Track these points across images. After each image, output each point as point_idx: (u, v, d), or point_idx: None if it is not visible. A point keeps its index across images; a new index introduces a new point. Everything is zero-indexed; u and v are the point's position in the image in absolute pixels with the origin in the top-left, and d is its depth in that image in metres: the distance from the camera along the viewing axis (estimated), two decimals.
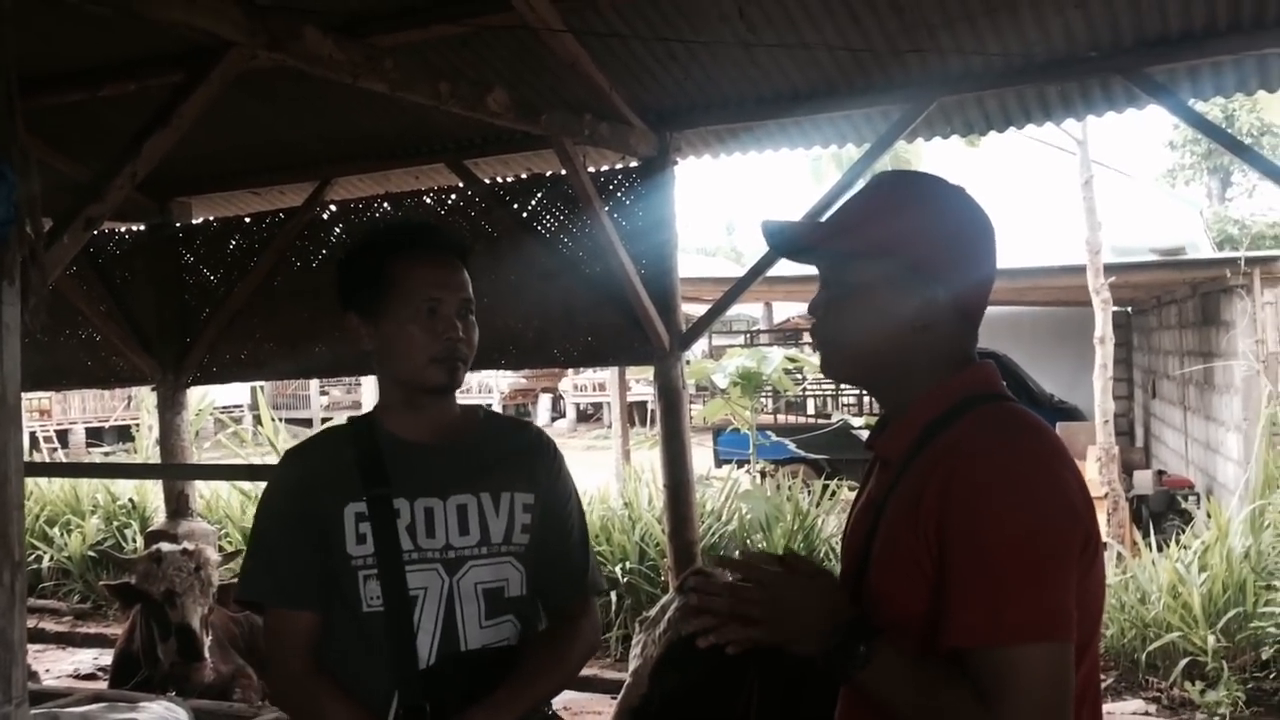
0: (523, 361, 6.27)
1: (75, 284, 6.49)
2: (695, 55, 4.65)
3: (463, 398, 2.87)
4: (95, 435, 24.19)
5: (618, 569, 7.53)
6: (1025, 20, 4.24)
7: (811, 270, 1.61)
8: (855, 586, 1.55)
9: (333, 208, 6.41)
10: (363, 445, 1.97)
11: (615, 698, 3.90)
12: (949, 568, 1.39)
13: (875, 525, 1.53)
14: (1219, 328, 10.07)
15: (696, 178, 55.39)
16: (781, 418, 14.96)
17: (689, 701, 3.06)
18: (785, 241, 1.62)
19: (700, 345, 15.51)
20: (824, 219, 1.61)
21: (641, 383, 21.20)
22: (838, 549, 7.38)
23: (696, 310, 7.19)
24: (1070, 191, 10.32)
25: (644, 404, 23.06)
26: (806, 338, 15.79)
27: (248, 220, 6.66)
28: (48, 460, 16.49)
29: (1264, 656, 6.09)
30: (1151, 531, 7.63)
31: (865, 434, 1.69)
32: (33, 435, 19.73)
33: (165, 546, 4.38)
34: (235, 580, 4.79)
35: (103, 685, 5.10)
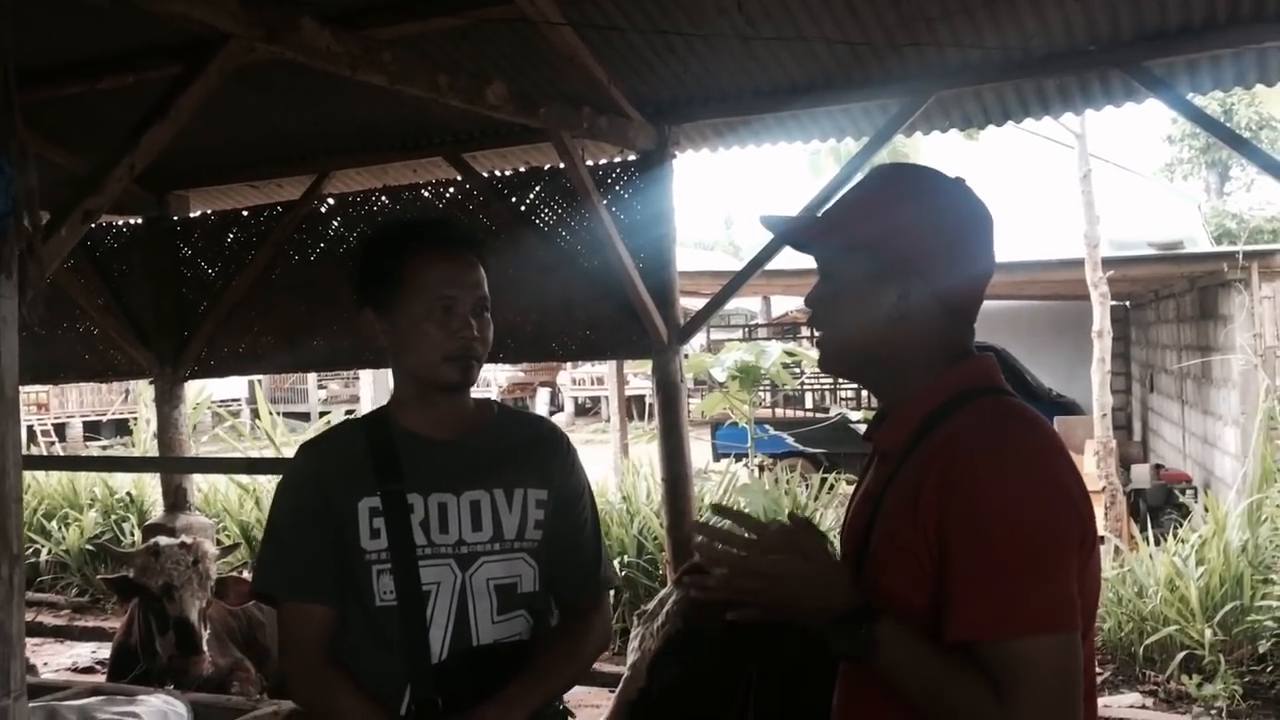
0: (521, 355, 6.28)
1: (73, 277, 6.48)
2: (694, 48, 4.64)
3: None
4: (93, 429, 24.17)
5: (616, 563, 7.53)
6: (1024, 13, 4.24)
7: (809, 265, 1.62)
8: (853, 579, 1.55)
9: (331, 201, 6.41)
10: (377, 440, 1.97)
11: (613, 691, 3.90)
12: (950, 563, 1.39)
13: (873, 518, 1.53)
14: (1217, 322, 10.08)
15: (694, 171, 55.35)
16: (780, 412, 14.97)
17: (687, 694, 3.06)
18: (781, 235, 1.67)
19: (698, 339, 15.53)
20: (820, 213, 1.62)
21: (639, 376, 21.19)
22: (836, 542, 7.38)
23: (694, 304, 7.18)
24: (1068, 185, 10.33)
25: (642, 398, 23.08)
26: (805, 332, 15.81)
27: (245, 213, 6.65)
28: (45, 454, 16.48)
29: (1261, 650, 6.10)
30: (1149, 525, 7.64)
31: (863, 428, 1.70)
32: (30, 429, 19.72)
33: (163, 540, 4.38)
34: (233, 574, 4.82)
35: (101, 679, 5.10)
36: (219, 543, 5.23)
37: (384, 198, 6.21)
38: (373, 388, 23.05)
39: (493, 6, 4.15)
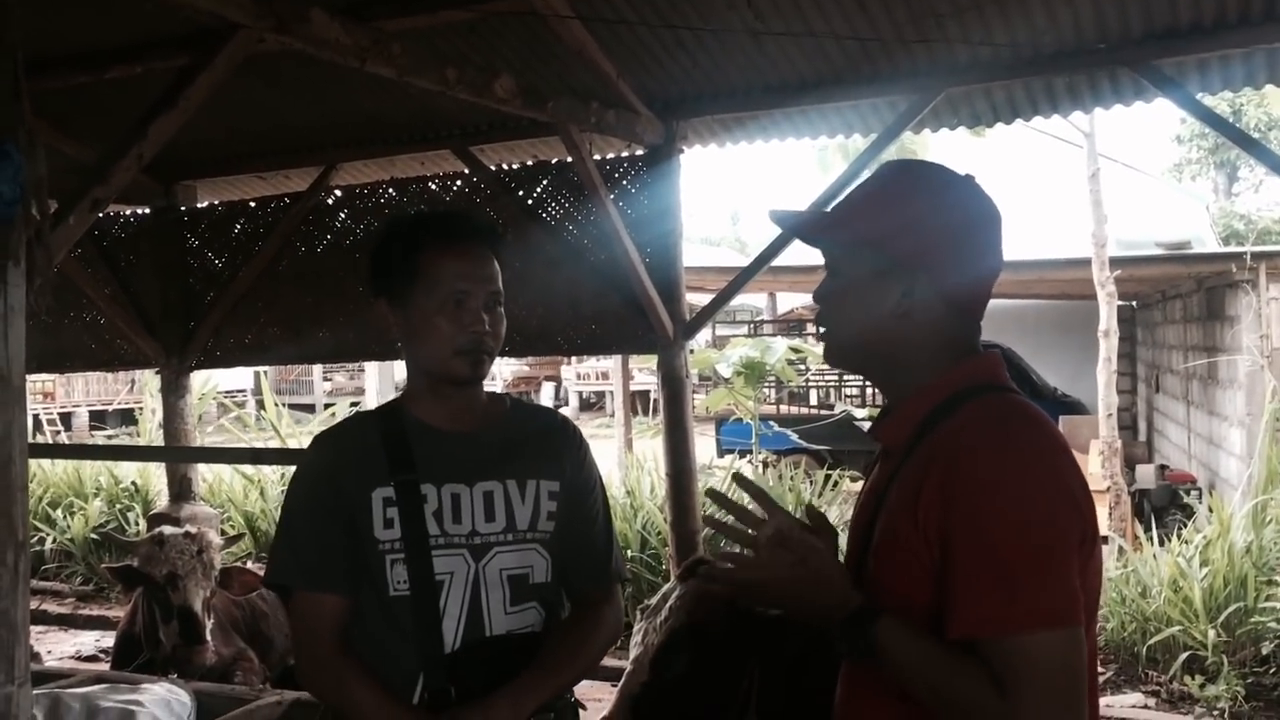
0: (526, 349, 6.28)
1: (80, 266, 6.50)
2: (702, 43, 4.64)
3: None
4: (99, 419, 24.25)
5: None
6: (1034, 11, 4.23)
7: (816, 261, 1.62)
8: (856, 575, 1.56)
9: (338, 193, 6.41)
10: (390, 431, 1.98)
11: (616, 685, 3.90)
12: (952, 559, 1.39)
13: (876, 514, 1.53)
14: (1223, 322, 10.06)
15: (701, 167, 55.35)
16: (784, 408, 14.95)
17: (690, 689, 3.06)
18: (789, 229, 1.68)
19: (704, 335, 15.51)
20: (829, 208, 1.62)
21: (644, 371, 21.19)
22: (839, 539, 7.38)
23: (700, 300, 7.18)
24: (1077, 184, 10.30)
25: (647, 393, 23.08)
26: (810, 329, 15.80)
27: (253, 204, 6.66)
28: (51, 443, 16.51)
29: (1264, 651, 6.10)
30: (1153, 526, 7.62)
31: (868, 425, 1.70)
32: (36, 418, 19.78)
33: (168, 530, 4.39)
34: (237, 564, 4.84)
35: (104, 667, 5.11)
36: (223, 533, 5.24)
37: (391, 190, 6.21)
38: (378, 380, 23.13)
39: (502, 0, 4.14)
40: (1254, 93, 5.41)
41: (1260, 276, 9.26)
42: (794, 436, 12.97)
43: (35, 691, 2.78)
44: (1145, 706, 5.96)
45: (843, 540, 1.69)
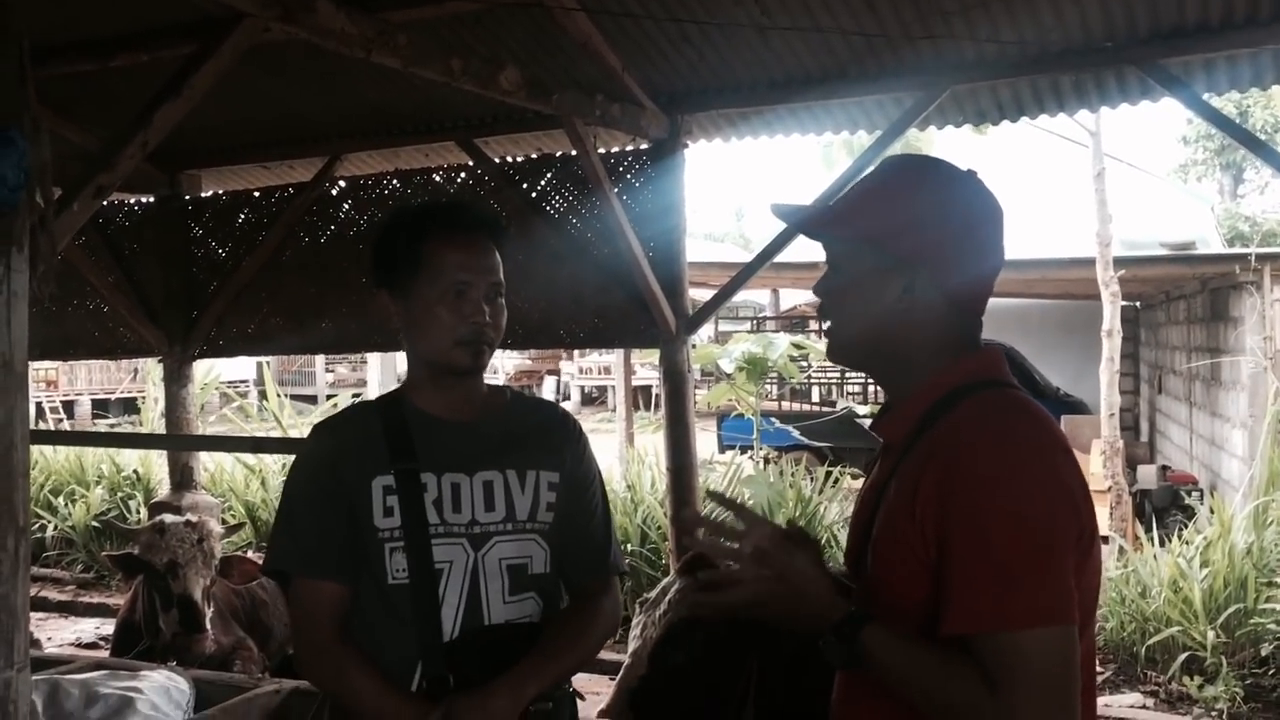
0: (528, 342, 6.27)
1: (84, 254, 6.50)
2: (708, 37, 4.63)
3: None
4: (101, 407, 24.25)
5: None
6: (1040, 8, 4.22)
7: (818, 258, 1.62)
8: (856, 571, 1.56)
9: (342, 183, 6.41)
10: (391, 420, 1.99)
11: (614, 678, 3.91)
12: (949, 555, 1.39)
13: (876, 510, 1.53)
14: (1227, 324, 10.04)
15: (706, 163, 55.35)
16: (786, 404, 14.96)
17: (689, 683, 3.07)
18: (792, 223, 1.68)
19: (706, 330, 15.52)
20: (831, 203, 1.62)
21: (646, 366, 21.20)
22: (840, 536, 7.40)
23: (703, 295, 7.18)
24: (1081, 184, 10.28)
25: (648, 388, 23.09)
26: (813, 325, 15.79)
27: (257, 194, 6.66)
28: (53, 430, 16.53)
29: (1263, 653, 6.10)
30: (1154, 526, 7.62)
31: (869, 422, 1.70)
32: (39, 406, 19.79)
33: (169, 518, 4.40)
34: (238, 553, 4.84)
35: (104, 654, 5.13)
36: (224, 522, 5.26)
37: (395, 181, 6.20)
38: (380, 371, 23.12)
39: None
40: (1260, 94, 5.42)
41: (1265, 278, 9.24)
42: (795, 433, 12.97)
43: (35, 677, 2.79)
44: (1144, 707, 5.96)
45: (842, 540, 1.69)
